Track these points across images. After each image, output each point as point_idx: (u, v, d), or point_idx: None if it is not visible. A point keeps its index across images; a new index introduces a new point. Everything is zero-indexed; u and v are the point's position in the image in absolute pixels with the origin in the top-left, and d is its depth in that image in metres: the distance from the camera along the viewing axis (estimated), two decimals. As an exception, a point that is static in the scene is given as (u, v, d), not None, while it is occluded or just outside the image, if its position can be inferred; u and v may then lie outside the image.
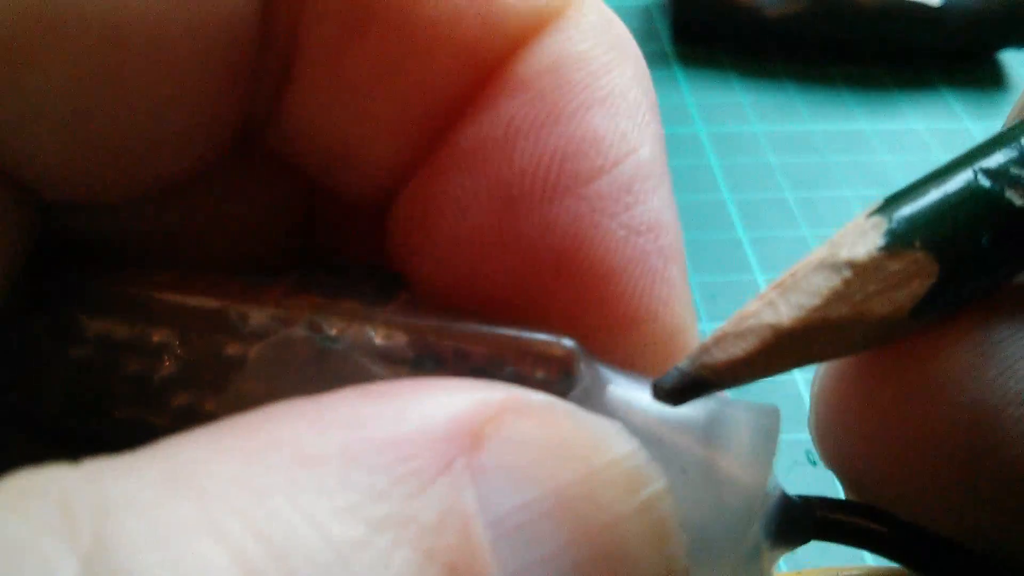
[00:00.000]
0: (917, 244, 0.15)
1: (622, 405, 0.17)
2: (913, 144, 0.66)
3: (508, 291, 0.19)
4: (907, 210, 0.15)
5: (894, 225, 0.15)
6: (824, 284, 0.15)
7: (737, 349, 0.15)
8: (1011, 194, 0.15)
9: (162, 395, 0.18)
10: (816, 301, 0.15)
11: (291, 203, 0.23)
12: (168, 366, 0.18)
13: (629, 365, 0.18)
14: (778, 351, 0.15)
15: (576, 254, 0.18)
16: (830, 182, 0.63)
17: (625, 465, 0.14)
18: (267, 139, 0.21)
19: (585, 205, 0.18)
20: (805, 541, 0.18)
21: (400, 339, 0.17)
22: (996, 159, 0.15)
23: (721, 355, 0.15)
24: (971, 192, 0.15)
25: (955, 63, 0.71)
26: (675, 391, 0.15)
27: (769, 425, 0.16)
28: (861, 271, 0.15)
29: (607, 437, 0.14)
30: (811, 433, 0.19)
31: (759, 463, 0.16)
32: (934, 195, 0.15)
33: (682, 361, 0.15)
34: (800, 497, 0.18)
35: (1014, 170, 0.15)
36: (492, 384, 0.15)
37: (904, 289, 0.15)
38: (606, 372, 0.17)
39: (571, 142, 0.19)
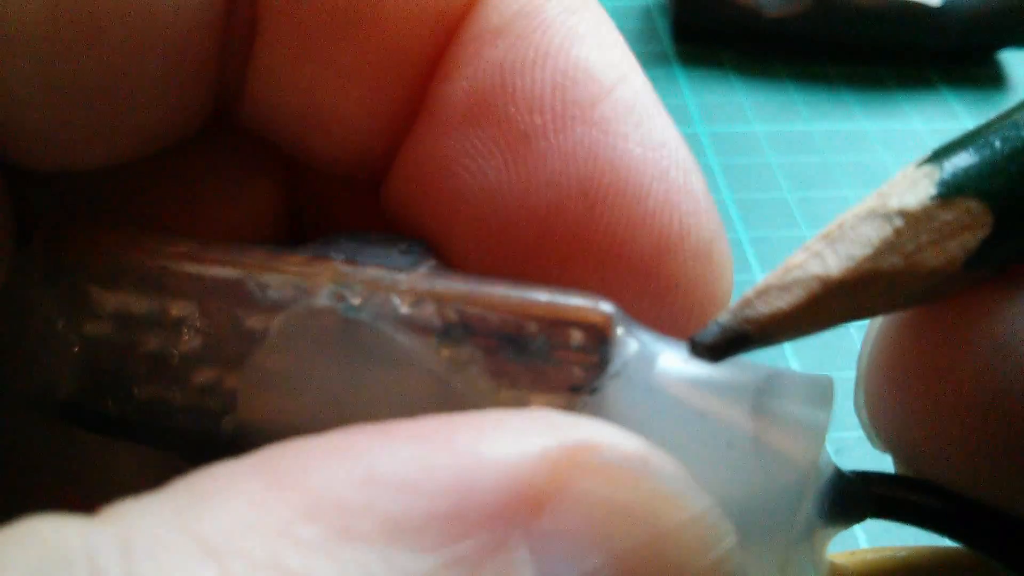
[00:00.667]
0: (970, 194, 0.14)
1: (666, 374, 0.16)
2: (913, 144, 0.66)
3: (538, 235, 0.18)
4: (960, 160, 0.15)
5: (947, 174, 0.14)
6: (875, 234, 0.14)
7: (782, 302, 0.14)
8: None
9: (182, 372, 0.17)
10: (867, 251, 0.14)
11: (276, 181, 0.23)
12: (188, 341, 0.17)
13: (670, 287, 0.18)
14: (825, 304, 0.14)
15: (601, 179, 0.18)
16: (830, 182, 0.63)
17: (699, 524, 0.13)
18: (242, 110, 0.20)
19: (596, 130, 0.18)
20: (861, 519, 0.17)
21: (427, 307, 0.17)
22: None
23: (764, 308, 0.14)
24: (1025, 144, 0.14)
25: (955, 63, 0.70)
26: (714, 347, 0.14)
27: (822, 396, 0.15)
28: (913, 220, 0.14)
29: (681, 494, 0.13)
30: (858, 406, 0.19)
31: (811, 436, 0.15)
32: (987, 146, 0.15)
33: (722, 314, 0.14)
34: (855, 473, 0.17)
35: None
36: (556, 421, 0.13)
37: (957, 240, 0.14)
38: (647, 338, 0.16)
39: (566, 74, 0.19)
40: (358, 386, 0.16)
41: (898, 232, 0.14)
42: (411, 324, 0.17)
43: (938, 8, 0.67)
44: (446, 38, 0.19)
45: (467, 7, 0.19)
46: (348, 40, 0.19)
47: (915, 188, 0.14)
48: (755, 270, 0.57)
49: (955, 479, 0.17)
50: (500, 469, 0.12)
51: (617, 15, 0.80)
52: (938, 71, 0.70)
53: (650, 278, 0.18)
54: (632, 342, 0.16)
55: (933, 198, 0.14)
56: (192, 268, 0.18)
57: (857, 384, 0.19)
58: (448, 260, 0.19)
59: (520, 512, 0.12)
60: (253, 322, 0.17)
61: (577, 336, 0.16)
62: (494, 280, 0.17)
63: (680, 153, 0.19)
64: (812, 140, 0.66)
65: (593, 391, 0.16)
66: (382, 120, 0.20)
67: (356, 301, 0.17)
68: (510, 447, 0.13)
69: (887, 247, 0.14)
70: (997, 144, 0.14)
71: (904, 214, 0.14)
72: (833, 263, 0.14)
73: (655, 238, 0.18)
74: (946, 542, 0.18)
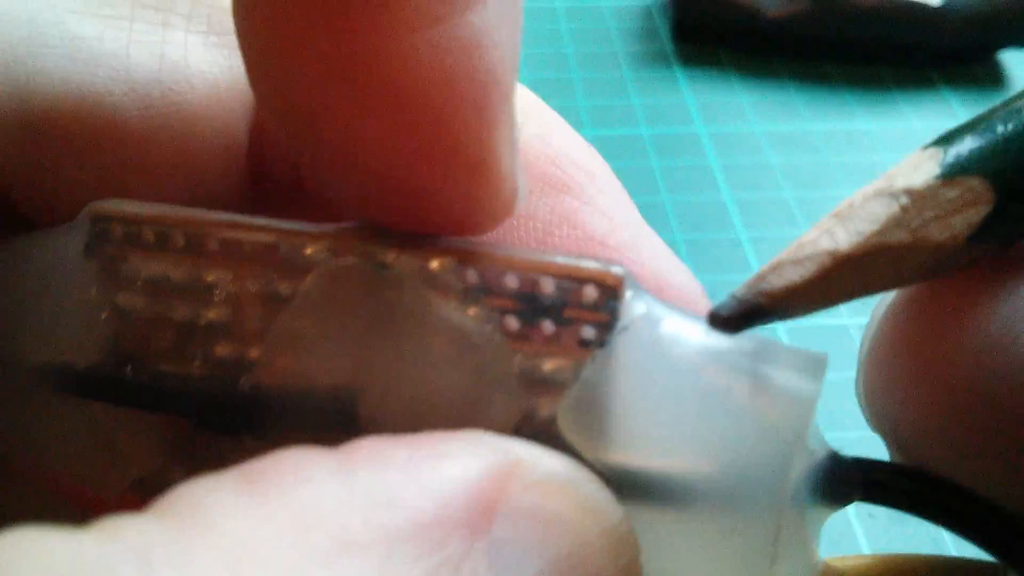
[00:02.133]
0: (973, 173, 0.15)
1: (668, 335, 0.16)
2: (913, 144, 0.66)
3: (333, 124, 0.17)
4: (963, 142, 0.15)
5: (951, 156, 0.15)
6: (882, 211, 0.15)
7: (795, 275, 0.15)
8: None
9: (207, 342, 0.18)
10: (875, 227, 0.15)
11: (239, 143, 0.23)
12: (217, 309, 0.18)
13: (439, 203, 0.17)
14: (836, 277, 0.15)
15: (376, 78, 0.16)
16: (830, 182, 0.64)
17: (614, 534, 0.15)
18: None
19: (390, 19, 0.15)
20: (850, 502, 0.18)
21: (451, 267, 0.17)
22: None
23: (778, 282, 0.15)
24: (1025, 126, 0.15)
25: (955, 63, 0.71)
26: (731, 319, 0.15)
27: (814, 368, 0.16)
28: (918, 198, 0.15)
29: (600, 506, 0.15)
30: (858, 392, 0.19)
31: (801, 405, 0.16)
32: (990, 129, 0.15)
33: (738, 289, 0.15)
34: (850, 457, 0.17)
35: None
36: (494, 442, 0.15)
37: (961, 216, 0.15)
38: (653, 303, 0.17)
39: None
40: (379, 346, 0.17)
41: (904, 209, 0.15)
42: (436, 284, 0.17)
43: (938, 8, 0.68)
44: None
45: None
46: None
47: (920, 168, 0.15)
48: (755, 270, 0.57)
49: (942, 466, 0.18)
50: (461, 484, 0.14)
51: (617, 15, 0.81)
52: (938, 71, 0.71)
53: (419, 195, 0.17)
54: (640, 304, 0.17)
55: (937, 177, 0.15)
56: (231, 234, 0.18)
57: (858, 370, 0.19)
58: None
59: (479, 522, 0.14)
60: (284, 287, 0.18)
61: (590, 294, 0.17)
62: (510, 246, 0.18)
63: (484, 60, 0.16)
64: (812, 140, 0.67)
65: (602, 344, 0.16)
66: None
67: (387, 260, 0.17)
68: (464, 465, 0.14)
69: (894, 223, 0.15)
70: (999, 127, 0.15)
71: (910, 192, 0.15)
72: (843, 238, 0.15)
73: (421, 149, 0.17)
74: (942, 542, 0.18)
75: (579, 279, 0.17)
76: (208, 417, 0.18)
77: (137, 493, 0.19)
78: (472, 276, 0.17)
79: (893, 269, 0.15)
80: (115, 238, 0.19)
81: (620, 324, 0.16)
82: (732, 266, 0.58)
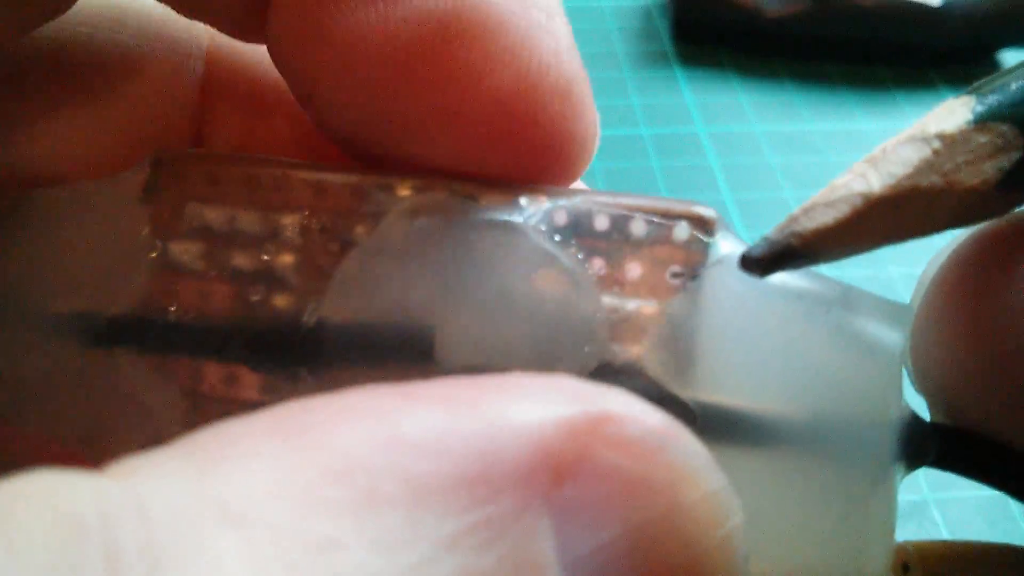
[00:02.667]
0: (1004, 119, 0.15)
1: (758, 281, 0.16)
2: (912, 143, 0.66)
3: (400, 72, 0.18)
4: (995, 91, 0.16)
5: (982, 104, 0.15)
6: (915, 155, 0.15)
7: (827, 217, 0.15)
8: None
9: (268, 286, 0.18)
10: (907, 170, 0.15)
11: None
12: (284, 252, 0.18)
13: (528, 125, 0.18)
14: (868, 220, 0.15)
15: (459, 14, 0.18)
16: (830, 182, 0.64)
17: (713, 501, 0.13)
18: None
19: None
20: (920, 466, 0.17)
21: (541, 205, 0.17)
22: None
23: (810, 223, 0.15)
24: (1054, 76, 0.15)
25: (955, 63, 0.71)
26: (763, 260, 0.15)
27: (902, 320, 0.16)
28: (950, 142, 0.15)
29: (700, 470, 0.13)
30: (904, 354, 0.19)
31: (891, 360, 0.16)
32: (1019, 79, 0.16)
33: (771, 231, 0.15)
34: (928, 422, 0.17)
35: None
36: (580, 390, 0.13)
37: (991, 161, 0.15)
38: (744, 247, 0.17)
39: None
40: (459, 282, 0.17)
41: (936, 153, 0.15)
42: (525, 222, 0.17)
43: (938, 8, 0.68)
44: None
45: None
46: None
47: (953, 115, 0.15)
48: (757, 265, 0.57)
49: (988, 426, 0.18)
50: (525, 435, 0.12)
51: (617, 15, 0.81)
52: (938, 71, 0.71)
53: (509, 115, 0.18)
54: (729, 243, 0.17)
55: (969, 123, 0.15)
56: (310, 175, 0.18)
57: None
58: (329, 107, 0.19)
59: (543, 480, 0.12)
60: (359, 231, 0.17)
61: (682, 232, 0.17)
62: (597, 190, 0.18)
63: None
64: (812, 140, 0.67)
65: (693, 278, 0.16)
66: None
67: (476, 193, 0.17)
68: (535, 413, 0.13)
69: (926, 166, 0.15)
70: None
71: (942, 137, 0.15)
72: (875, 181, 0.15)
73: (514, 74, 0.18)
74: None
75: (671, 216, 0.17)
76: (264, 354, 0.17)
77: None
78: (561, 216, 0.17)
79: (925, 213, 0.15)
80: (177, 181, 0.18)
81: (710, 261, 0.16)
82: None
